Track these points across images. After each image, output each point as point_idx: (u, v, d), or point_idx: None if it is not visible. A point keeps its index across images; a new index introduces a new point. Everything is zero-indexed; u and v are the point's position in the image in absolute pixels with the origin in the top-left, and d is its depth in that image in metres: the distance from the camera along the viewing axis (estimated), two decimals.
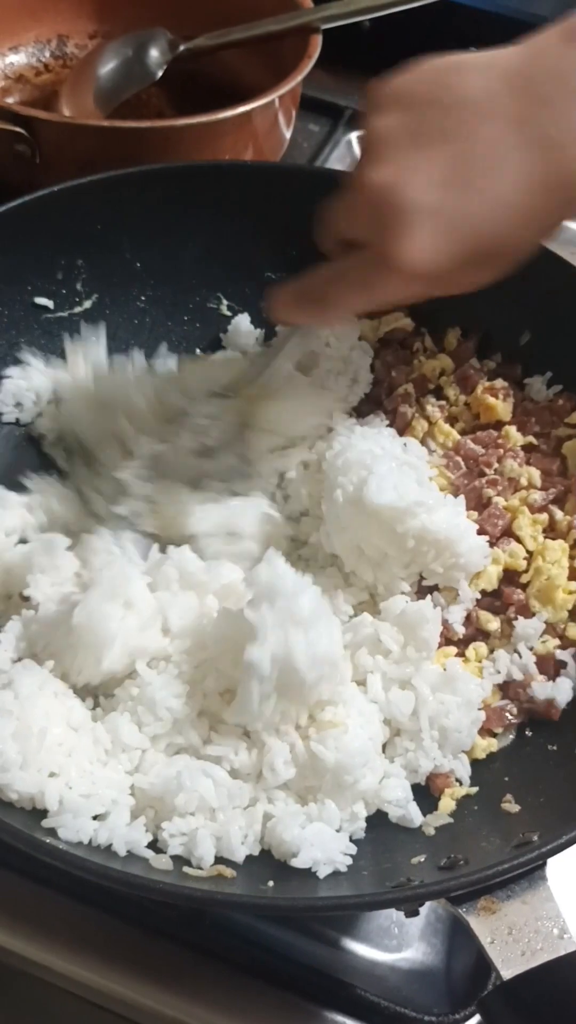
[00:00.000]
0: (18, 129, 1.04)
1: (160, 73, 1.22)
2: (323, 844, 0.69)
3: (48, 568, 0.81)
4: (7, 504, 0.88)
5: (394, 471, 0.84)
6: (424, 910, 0.80)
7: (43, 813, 0.69)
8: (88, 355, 0.97)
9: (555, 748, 0.79)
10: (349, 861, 0.70)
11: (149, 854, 0.69)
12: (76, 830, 0.68)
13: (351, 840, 0.73)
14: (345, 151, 1.36)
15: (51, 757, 0.70)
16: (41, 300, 0.98)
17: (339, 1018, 0.75)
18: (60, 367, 0.97)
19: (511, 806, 0.75)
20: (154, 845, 0.70)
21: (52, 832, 0.67)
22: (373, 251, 0.71)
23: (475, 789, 0.77)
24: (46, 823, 0.68)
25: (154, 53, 1.23)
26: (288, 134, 1.22)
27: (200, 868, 0.69)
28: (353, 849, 0.71)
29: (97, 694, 0.78)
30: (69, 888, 0.77)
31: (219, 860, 0.70)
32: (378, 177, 0.69)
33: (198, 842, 0.69)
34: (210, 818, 0.71)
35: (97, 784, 0.71)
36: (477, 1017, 0.75)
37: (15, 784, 0.68)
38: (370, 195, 0.70)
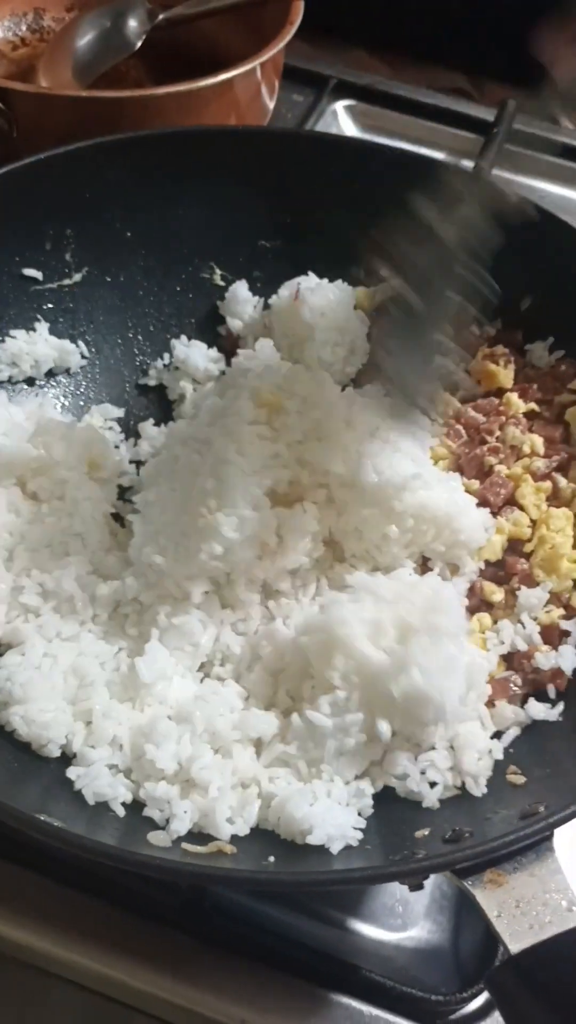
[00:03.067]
0: None
1: (139, 44, 1.19)
2: (334, 820, 0.67)
3: None
4: None
5: (385, 450, 0.82)
6: (428, 887, 0.79)
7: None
8: None
9: (560, 720, 0.77)
10: (360, 836, 0.68)
11: (120, 810, 0.69)
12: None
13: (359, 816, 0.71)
14: (330, 120, 1.33)
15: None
16: (30, 271, 0.96)
17: (345, 1000, 0.73)
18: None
19: (517, 778, 0.73)
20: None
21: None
22: None
23: None
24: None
25: (132, 23, 1.19)
26: (271, 104, 1.19)
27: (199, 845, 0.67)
28: (363, 823, 0.70)
29: None
30: (67, 876, 0.76)
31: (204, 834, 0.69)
32: None
33: (177, 815, 0.68)
34: (199, 793, 0.70)
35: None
36: (486, 995, 0.74)
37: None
38: None
